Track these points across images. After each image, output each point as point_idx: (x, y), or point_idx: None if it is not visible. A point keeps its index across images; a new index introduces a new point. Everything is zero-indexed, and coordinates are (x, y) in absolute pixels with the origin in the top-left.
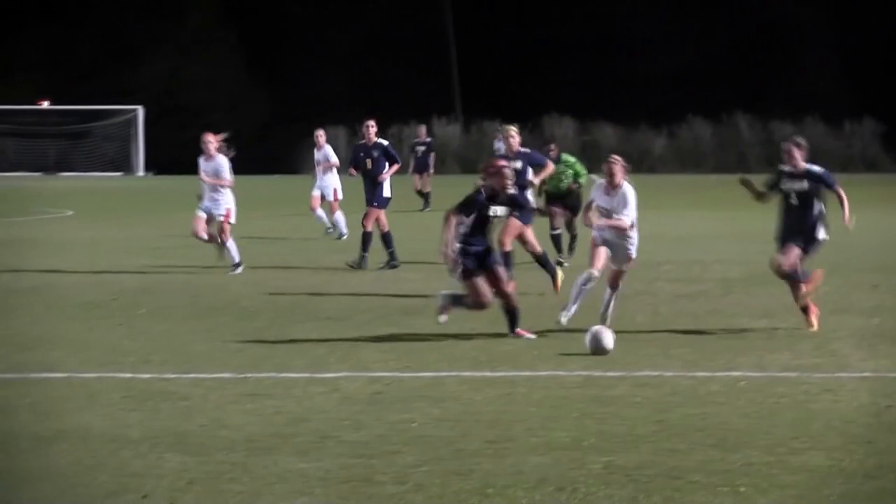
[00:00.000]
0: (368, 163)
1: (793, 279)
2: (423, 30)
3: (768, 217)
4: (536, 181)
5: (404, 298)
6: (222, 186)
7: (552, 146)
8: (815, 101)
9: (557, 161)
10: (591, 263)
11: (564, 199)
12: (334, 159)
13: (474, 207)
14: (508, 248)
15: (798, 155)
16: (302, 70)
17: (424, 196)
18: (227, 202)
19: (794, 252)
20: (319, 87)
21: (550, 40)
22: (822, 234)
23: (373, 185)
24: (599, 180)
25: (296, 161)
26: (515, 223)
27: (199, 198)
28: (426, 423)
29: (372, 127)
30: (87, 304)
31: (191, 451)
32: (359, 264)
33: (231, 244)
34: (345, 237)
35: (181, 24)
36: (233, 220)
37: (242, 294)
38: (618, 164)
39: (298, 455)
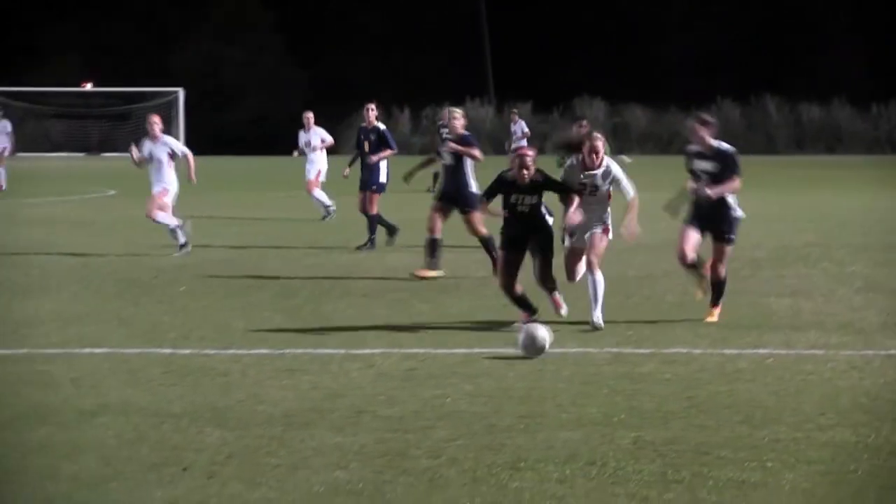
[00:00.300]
0: (367, 145)
1: (692, 267)
2: (457, 13)
3: (795, 198)
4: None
5: (437, 277)
6: (165, 166)
7: (584, 122)
8: (842, 83)
9: None
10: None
11: None
12: (329, 140)
13: (496, 192)
14: (437, 235)
15: (705, 133)
16: (338, 52)
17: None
18: (166, 181)
19: (695, 240)
20: (355, 69)
21: (582, 23)
22: (739, 211)
23: (369, 168)
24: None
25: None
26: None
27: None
28: (459, 399)
29: (372, 110)
30: (129, 281)
31: (230, 425)
32: (369, 245)
33: (163, 217)
34: (332, 212)
35: (221, 8)
36: (168, 199)
37: (280, 272)
38: (601, 140)
39: (334, 430)
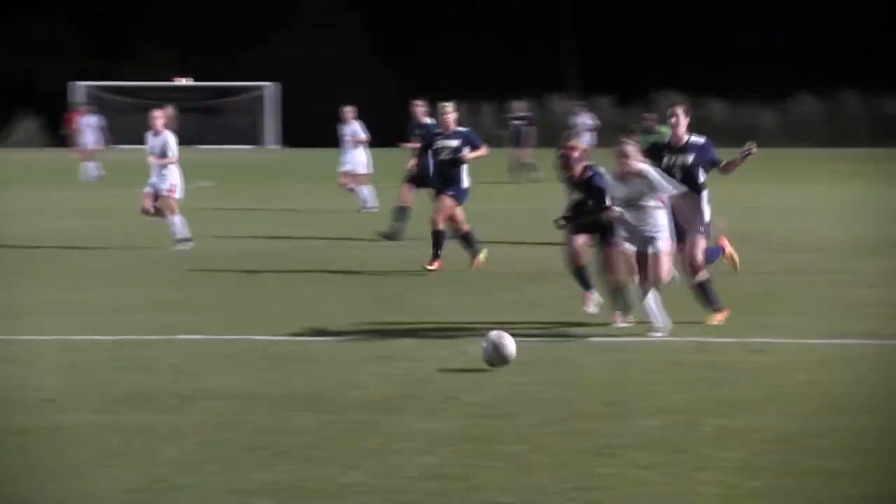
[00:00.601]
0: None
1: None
2: (539, 5)
3: (873, 190)
4: (469, 158)
5: (525, 267)
6: (167, 163)
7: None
8: None
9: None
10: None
11: None
12: (363, 135)
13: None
14: (441, 226)
15: (682, 123)
16: (425, 47)
17: (525, 167)
18: (172, 177)
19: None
20: (441, 62)
21: (662, 16)
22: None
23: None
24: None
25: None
26: (448, 202)
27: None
28: (545, 386)
29: (420, 106)
30: (228, 269)
31: (323, 410)
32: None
33: (177, 219)
34: (375, 209)
35: (312, 3)
36: (177, 195)
37: (373, 261)
38: (630, 144)
39: (425, 415)
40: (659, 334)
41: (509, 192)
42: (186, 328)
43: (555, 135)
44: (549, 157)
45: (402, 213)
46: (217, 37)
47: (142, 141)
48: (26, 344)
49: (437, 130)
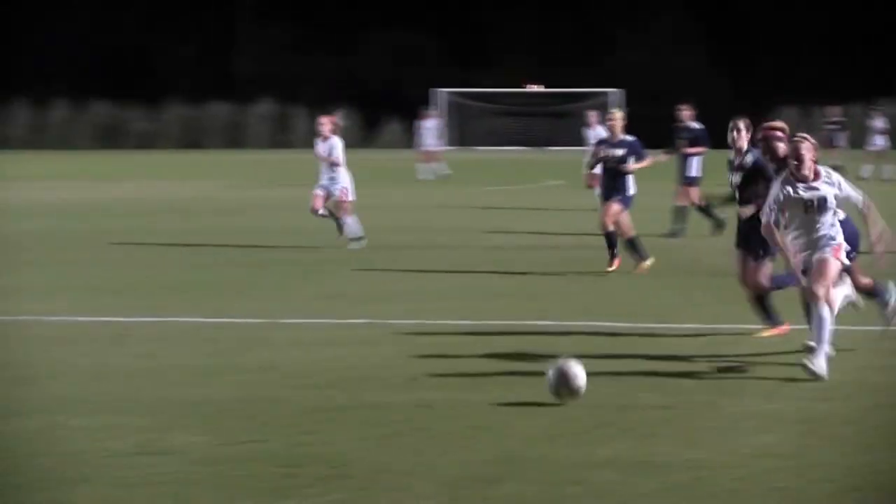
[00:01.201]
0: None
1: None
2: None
3: None
4: (631, 169)
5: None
6: (335, 165)
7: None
8: None
9: None
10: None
11: None
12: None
13: None
14: (611, 228)
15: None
16: (760, 57)
17: (838, 169)
18: (342, 181)
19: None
20: (777, 72)
21: None
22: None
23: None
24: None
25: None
26: (615, 207)
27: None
28: (878, 370)
29: (686, 111)
30: (573, 261)
31: (666, 391)
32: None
33: (350, 220)
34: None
35: (656, 18)
36: (349, 197)
37: (710, 255)
38: (805, 142)
39: (762, 397)
40: (813, 367)
41: None
42: (536, 314)
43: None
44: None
45: (681, 212)
46: (567, 47)
47: (493, 143)
48: (408, 327)
49: (605, 138)
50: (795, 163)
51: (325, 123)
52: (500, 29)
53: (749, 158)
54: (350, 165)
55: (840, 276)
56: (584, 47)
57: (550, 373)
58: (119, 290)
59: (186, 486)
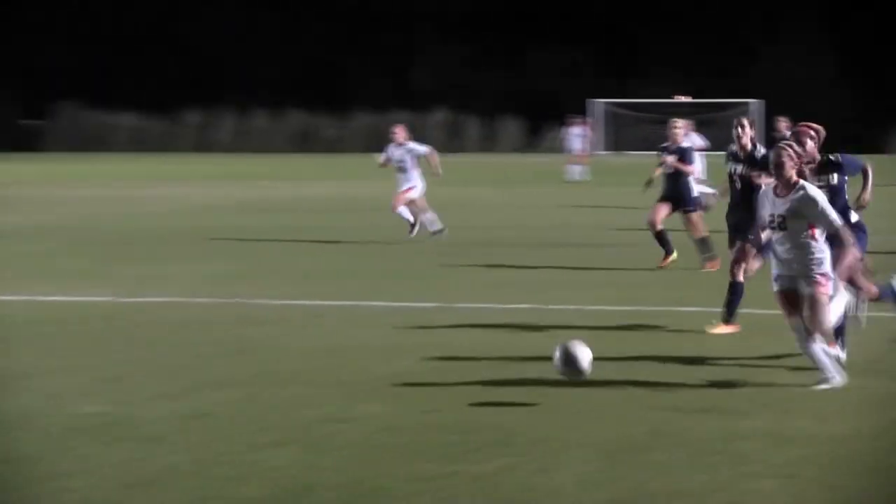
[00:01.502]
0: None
1: None
2: None
3: None
4: (669, 162)
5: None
6: (403, 171)
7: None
8: None
9: None
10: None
11: None
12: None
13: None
14: (659, 227)
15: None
16: (884, 69)
17: None
18: (413, 180)
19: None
20: None
21: None
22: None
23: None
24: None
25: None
26: (664, 209)
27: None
28: None
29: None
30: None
31: (805, 372)
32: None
33: (428, 216)
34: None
35: (793, 29)
36: (415, 194)
37: None
38: (789, 149)
39: (890, 378)
40: (825, 386)
41: None
42: (664, 300)
43: None
44: None
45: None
46: (713, 60)
47: (643, 148)
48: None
49: (665, 144)
50: (774, 168)
51: (399, 132)
52: (652, 42)
53: (762, 151)
54: (512, 168)
55: (836, 289)
56: (729, 60)
57: (557, 353)
58: (313, 276)
59: (370, 450)
